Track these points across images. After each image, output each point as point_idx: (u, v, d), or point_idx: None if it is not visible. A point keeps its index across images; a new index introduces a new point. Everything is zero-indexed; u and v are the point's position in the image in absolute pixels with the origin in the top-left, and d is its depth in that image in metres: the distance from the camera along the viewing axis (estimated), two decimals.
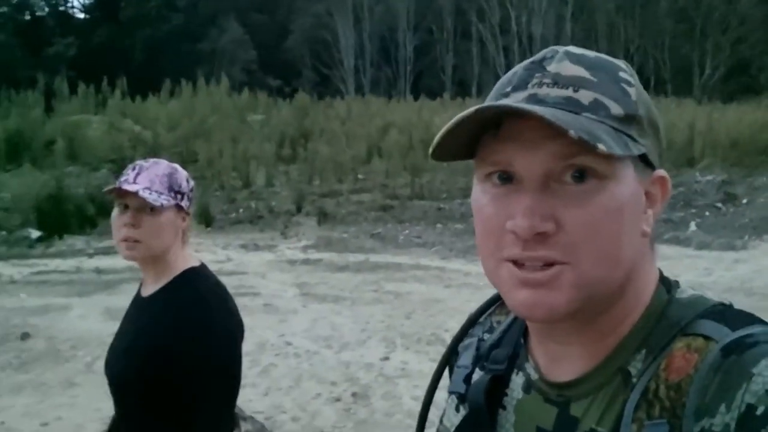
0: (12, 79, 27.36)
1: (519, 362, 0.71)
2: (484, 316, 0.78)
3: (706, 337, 0.57)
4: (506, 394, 0.70)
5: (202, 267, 1.58)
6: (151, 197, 1.46)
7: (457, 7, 32.79)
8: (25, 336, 5.17)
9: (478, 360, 0.74)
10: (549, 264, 0.57)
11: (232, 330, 1.50)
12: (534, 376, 0.68)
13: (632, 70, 0.63)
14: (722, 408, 0.53)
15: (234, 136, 13.66)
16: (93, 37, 30.56)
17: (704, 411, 0.54)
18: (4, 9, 30.85)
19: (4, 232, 8.93)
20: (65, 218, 9.10)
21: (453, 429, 0.73)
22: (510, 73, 0.63)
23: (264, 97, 16.37)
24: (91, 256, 7.94)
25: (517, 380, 0.70)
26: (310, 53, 32.94)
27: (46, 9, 33.85)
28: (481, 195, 0.61)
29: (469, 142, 0.60)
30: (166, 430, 1.46)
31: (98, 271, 7.28)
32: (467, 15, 32.04)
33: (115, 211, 1.51)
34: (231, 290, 1.60)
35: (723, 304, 0.62)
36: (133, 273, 7.17)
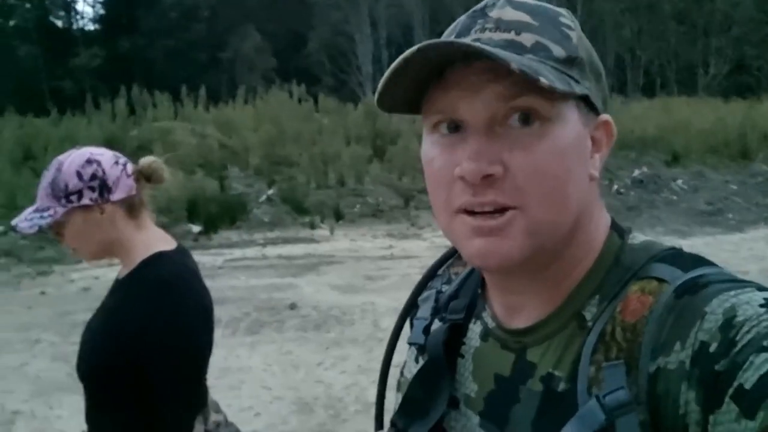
0: (37, 88, 27.88)
1: (477, 311, 0.72)
2: (443, 268, 0.79)
3: (660, 280, 0.58)
4: (464, 343, 0.71)
5: (173, 251, 1.48)
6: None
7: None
8: (293, 306, 5.96)
9: (437, 311, 0.75)
10: (500, 210, 0.58)
11: (189, 314, 1.40)
12: (491, 324, 0.69)
13: (573, 17, 0.63)
14: (677, 346, 0.53)
15: (314, 139, 14.47)
16: (116, 48, 31.13)
17: (659, 350, 0.54)
18: (29, 15, 31.34)
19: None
20: (217, 214, 9.86)
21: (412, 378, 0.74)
22: (454, 23, 0.63)
23: (333, 102, 17.19)
24: (263, 245, 8.72)
25: (474, 329, 0.71)
26: (328, 60, 33.79)
27: (67, 21, 34.36)
28: (430, 147, 0.61)
29: (415, 94, 0.61)
30: (124, 420, 1.40)
31: (282, 257, 8.07)
32: None
33: None
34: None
35: (674, 248, 0.62)
36: (317, 259, 7.97)
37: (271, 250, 8.43)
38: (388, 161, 13.68)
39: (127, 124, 14.90)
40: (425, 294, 0.78)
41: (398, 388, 0.78)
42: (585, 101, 0.60)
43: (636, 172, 11.43)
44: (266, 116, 15.45)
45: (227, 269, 7.54)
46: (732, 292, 0.54)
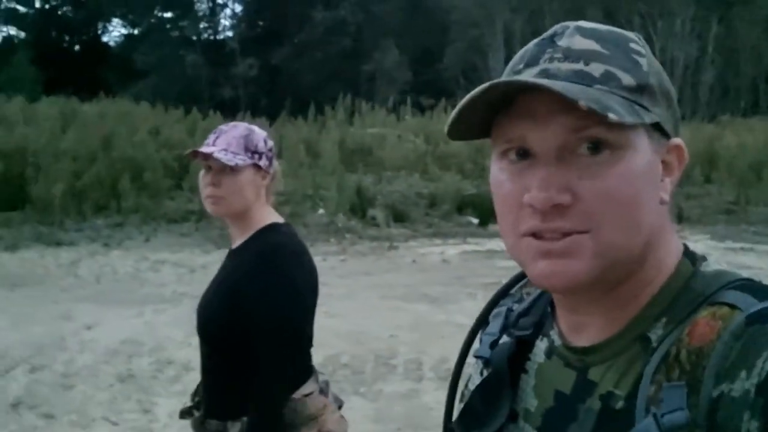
0: (199, 95, 30.49)
1: (544, 329, 0.73)
2: (516, 288, 0.80)
3: (732, 306, 0.57)
4: (529, 359, 0.73)
5: (285, 224, 1.70)
6: (226, 158, 1.56)
7: None
8: None
9: (506, 328, 0.77)
10: (568, 234, 0.59)
11: (303, 283, 1.59)
12: (557, 342, 0.70)
13: (644, 41, 0.64)
14: (743, 374, 0.53)
15: None
16: (270, 59, 33.62)
17: (724, 376, 0.54)
18: (190, 27, 34.45)
19: (435, 219, 11.18)
20: (473, 209, 11.37)
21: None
22: (522, 50, 0.65)
23: None
24: None
25: (540, 346, 0.72)
26: (462, 74, 35.31)
27: (214, 32, 37.40)
28: (499, 173, 0.63)
29: (483, 121, 0.62)
30: (238, 377, 1.55)
31: None
32: None
33: (201, 172, 1.65)
34: None
35: (750, 279, 0.62)
36: None
37: None
38: None
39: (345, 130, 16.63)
40: (496, 311, 0.80)
41: (461, 399, 0.80)
42: (656, 127, 0.61)
43: None
44: None
45: None
46: None
